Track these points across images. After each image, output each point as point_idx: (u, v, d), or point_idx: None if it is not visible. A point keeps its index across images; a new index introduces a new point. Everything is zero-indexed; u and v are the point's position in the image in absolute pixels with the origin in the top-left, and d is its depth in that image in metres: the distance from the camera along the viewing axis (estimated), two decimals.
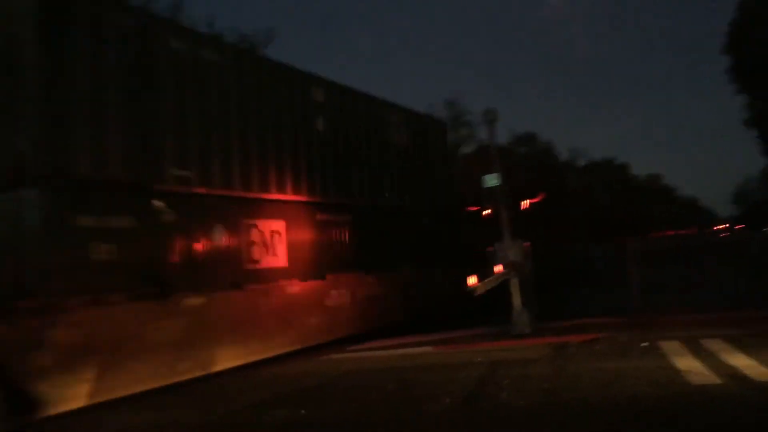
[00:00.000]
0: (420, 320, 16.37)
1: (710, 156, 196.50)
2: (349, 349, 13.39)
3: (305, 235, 13.52)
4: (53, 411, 8.32)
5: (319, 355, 12.85)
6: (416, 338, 13.86)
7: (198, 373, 10.53)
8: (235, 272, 11.54)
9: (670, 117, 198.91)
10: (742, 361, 8.52)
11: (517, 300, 13.52)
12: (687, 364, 8.66)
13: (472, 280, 13.23)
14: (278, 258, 12.69)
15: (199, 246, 10.74)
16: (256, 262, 12.10)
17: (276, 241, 12.67)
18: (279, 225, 12.77)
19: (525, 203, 15.00)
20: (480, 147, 26.63)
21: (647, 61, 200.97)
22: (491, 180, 14.16)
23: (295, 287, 12.95)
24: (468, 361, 10.47)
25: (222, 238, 11.26)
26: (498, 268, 13.85)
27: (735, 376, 7.81)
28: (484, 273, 13.73)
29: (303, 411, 8.33)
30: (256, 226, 12.20)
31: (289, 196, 13.22)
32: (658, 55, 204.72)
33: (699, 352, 9.37)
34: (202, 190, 11.04)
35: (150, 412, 8.94)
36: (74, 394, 8.59)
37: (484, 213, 15.27)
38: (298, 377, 10.79)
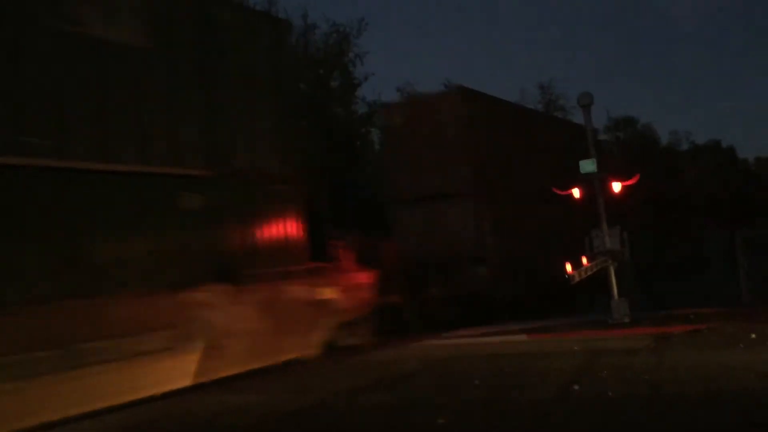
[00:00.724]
0: (517, 306, 16.28)
1: None
2: (445, 336, 13.49)
3: None
4: (159, 390, 8.89)
5: (414, 341, 13.02)
6: (512, 326, 13.78)
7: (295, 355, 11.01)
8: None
9: None
10: None
11: (614, 289, 13.19)
12: None
13: (568, 268, 13.01)
14: None
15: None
16: None
17: None
18: None
19: (618, 186, 14.46)
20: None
21: (750, 39, 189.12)
22: (587, 166, 13.81)
23: None
24: (564, 350, 10.33)
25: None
26: (594, 256, 13.55)
27: None
28: (580, 260, 13.47)
29: (398, 395, 8.50)
30: None
31: None
32: (759, 31, 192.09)
33: None
34: None
35: (246, 395, 9.35)
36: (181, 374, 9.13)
37: (575, 197, 14.88)
38: (393, 362, 10.98)
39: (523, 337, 12.50)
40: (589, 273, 13.40)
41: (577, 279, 13.06)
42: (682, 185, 33.91)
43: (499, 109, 19.80)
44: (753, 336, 9.96)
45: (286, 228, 11.07)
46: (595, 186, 13.91)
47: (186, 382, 9.23)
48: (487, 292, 16.43)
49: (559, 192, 15.70)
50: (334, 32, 27.72)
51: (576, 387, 7.82)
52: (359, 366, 11.12)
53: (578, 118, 37.84)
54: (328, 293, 11.61)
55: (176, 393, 9.10)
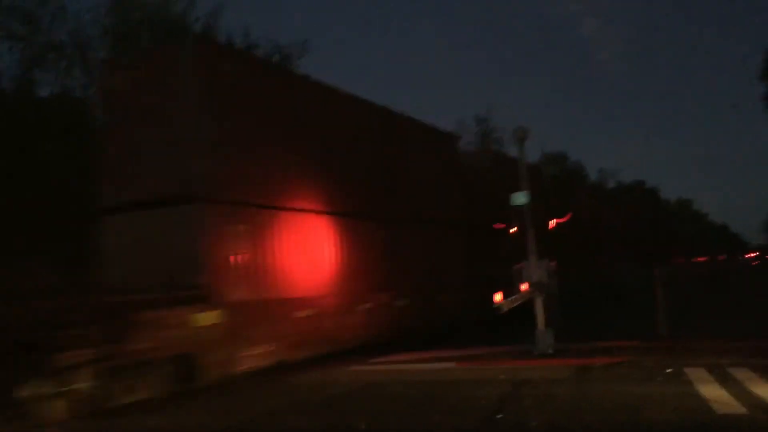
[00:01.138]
0: (444, 335, 16.42)
1: (742, 183, 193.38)
2: (372, 361, 13.45)
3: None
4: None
5: (342, 365, 12.93)
6: (440, 353, 13.86)
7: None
8: None
9: (702, 143, 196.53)
10: None
11: (541, 319, 13.47)
12: (712, 392, 8.54)
13: (497, 297, 13.22)
14: None
15: None
16: None
17: None
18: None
19: (552, 223, 14.89)
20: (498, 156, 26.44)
21: (681, 86, 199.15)
22: (519, 198, 14.13)
23: None
24: (491, 379, 10.46)
25: None
26: (523, 287, 13.82)
27: (760, 406, 7.69)
28: (509, 291, 13.72)
29: (319, 420, 8.42)
30: None
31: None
32: (692, 79, 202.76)
33: (725, 381, 9.24)
34: None
35: (168, 416, 9.10)
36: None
37: (510, 230, 15.24)
38: (319, 386, 10.88)
39: (451, 364, 12.58)
40: (517, 303, 13.64)
41: (504, 309, 13.28)
42: (606, 222, 35.11)
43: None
44: (669, 370, 10.33)
45: None
46: (526, 218, 14.23)
47: None
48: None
49: (495, 225, 16.00)
50: (276, 53, 27.61)
51: (500, 415, 7.93)
52: (284, 388, 10.97)
53: (513, 151, 38.80)
54: None
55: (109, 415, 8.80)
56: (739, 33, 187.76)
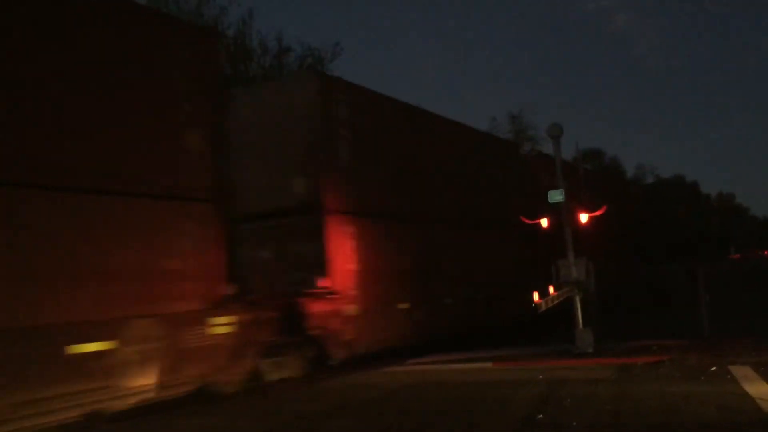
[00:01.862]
0: (483, 335, 16.35)
1: None
2: (410, 362, 13.44)
3: None
4: None
5: (379, 367, 12.96)
6: (478, 353, 13.79)
7: None
8: None
9: (743, 135, 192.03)
10: None
11: (579, 318, 13.32)
12: (758, 389, 8.34)
13: (536, 297, 13.11)
14: None
15: None
16: None
17: None
18: None
19: (586, 217, 14.72)
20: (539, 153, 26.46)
21: (718, 77, 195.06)
22: (555, 196, 13.99)
23: None
24: (528, 379, 10.37)
25: None
26: (560, 286, 13.69)
27: None
28: (547, 290, 13.59)
29: (361, 422, 8.43)
30: None
31: None
32: (730, 70, 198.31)
33: None
34: None
35: (210, 418, 9.21)
36: None
37: (544, 226, 15.13)
38: (361, 389, 10.91)
39: (489, 364, 12.51)
40: (555, 302, 13.51)
41: (543, 308, 13.16)
42: (636, 215, 34.48)
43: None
44: (713, 368, 10.12)
45: None
46: (563, 216, 14.09)
47: None
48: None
49: (527, 221, 15.90)
50: (308, 56, 27.87)
51: (540, 416, 7.84)
52: (325, 390, 11.03)
53: (547, 148, 38.45)
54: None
55: (139, 413, 8.94)
56: None
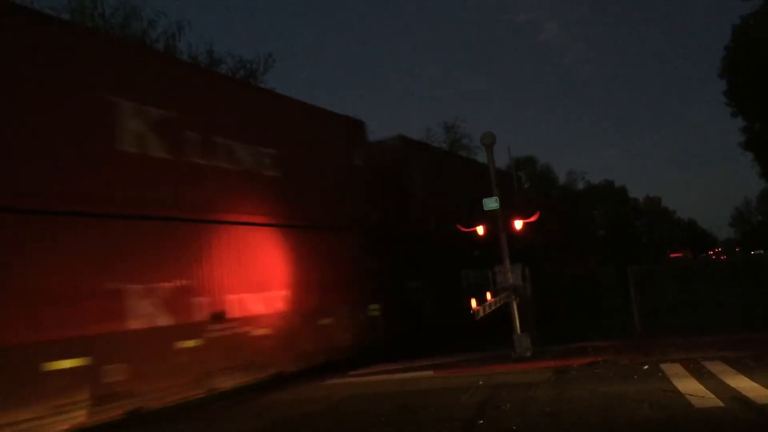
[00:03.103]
0: (422, 344, 16.36)
1: (708, 179, 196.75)
2: (351, 374, 13.35)
3: None
4: None
5: (319, 380, 12.82)
6: (418, 362, 13.81)
7: None
8: None
9: (667, 140, 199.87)
10: (744, 384, 8.50)
11: (517, 323, 13.51)
12: (689, 386, 8.64)
13: (473, 304, 13.22)
14: None
15: None
16: None
17: None
18: None
19: (520, 224, 15.00)
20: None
21: (643, 85, 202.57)
22: (490, 203, 14.18)
23: None
24: (469, 385, 10.43)
25: None
26: (497, 292, 13.86)
27: (737, 398, 7.79)
28: (483, 296, 13.73)
29: None
30: None
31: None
32: (656, 77, 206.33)
33: (701, 375, 9.35)
34: None
35: None
36: None
37: (480, 234, 15.30)
38: (300, 402, 10.76)
39: (430, 372, 12.55)
40: (492, 308, 13.66)
41: (481, 314, 13.28)
42: (568, 221, 35.31)
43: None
44: (645, 367, 10.42)
45: None
46: (498, 223, 14.28)
47: None
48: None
49: (462, 229, 16.07)
50: (240, 68, 27.52)
51: (481, 421, 7.90)
52: (263, 406, 10.83)
53: (481, 157, 39.06)
54: None
55: None
56: (702, 30, 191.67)
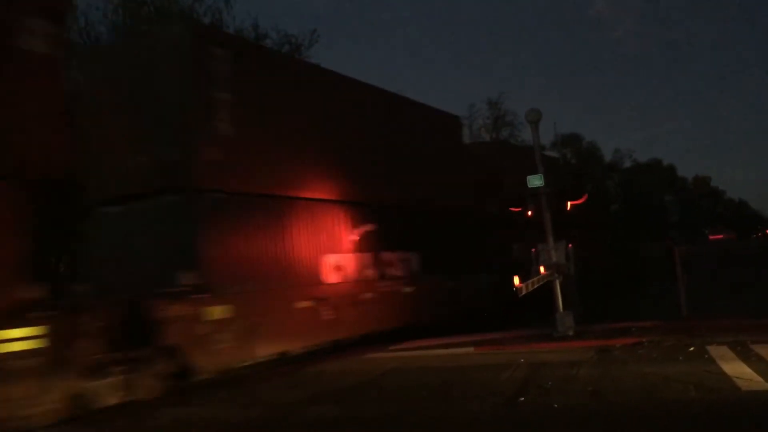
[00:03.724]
0: (464, 320, 16.41)
1: (759, 158, 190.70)
2: (392, 349, 13.47)
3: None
4: None
5: (361, 354, 12.97)
6: (459, 338, 13.85)
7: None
8: None
9: (719, 119, 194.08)
10: None
11: (560, 302, 13.41)
12: (736, 369, 8.47)
13: (516, 281, 13.18)
14: None
15: None
16: None
17: None
18: None
19: (568, 205, 14.82)
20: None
21: (696, 61, 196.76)
22: (535, 180, 14.04)
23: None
24: (510, 362, 10.43)
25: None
26: (541, 270, 13.77)
27: None
28: (528, 274, 13.67)
29: (343, 408, 8.44)
30: None
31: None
32: (708, 54, 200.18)
33: (748, 357, 9.16)
34: None
35: (191, 407, 9.18)
36: None
37: (527, 214, 15.19)
38: (340, 375, 10.91)
39: (470, 349, 12.58)
40: (536, 286, 13.60)
41: (524, 291, 13.24)
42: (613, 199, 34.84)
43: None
44: (691, 349, 10.25)
45: None
46: (542, 201, 14.14)
47: None
48: None
49: (512, 209, 15.95)
50: (285, 43, 27.58)
51: (522, 398, 7.91)
52: (305, 377, 11.02)
53: (526, 134, 38.61)
54: None
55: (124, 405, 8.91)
56: (761, 7, 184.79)
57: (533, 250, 14.21)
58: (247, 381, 10.96)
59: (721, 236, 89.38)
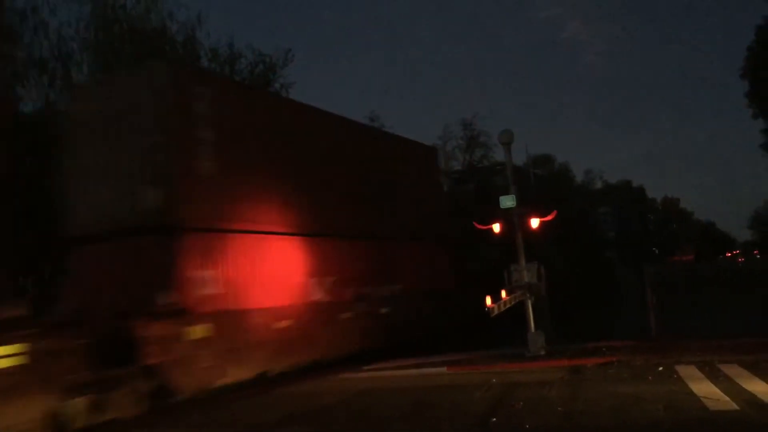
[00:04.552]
0: (435, 341, 16.45)
1: (730, 181, 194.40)
2: (365, 369, 13.42)
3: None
4: None
5: (333, 374, 12.90)
6: (431, 359, 13.85)
7: None
8: None
9: (686, 141, 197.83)
10: (759, 387, 8.45)
11: (531, 322, 13.49)
12: (704, 389, 8.60)
13: (488, 301, 13.23)
14: None
15: None
16: None
17: None
18: None
19: (536, 222, 14.94)
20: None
21: (666, 84, 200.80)
22: (507, 201, 14.15)
23: None
24: (483, 383, 10.45)
25: None
26: (512, 290, 13.84)
27: (752, 402, 7.75)
28: (499, 294, 13.73)
29: (317, 430, 8.38)
30: None
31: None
32: (676, 78, 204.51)
33: (716, 378, 9.30)
34: None
35: (172, 428, 9.05)
36: None
37: (495, 231, 15.28)
38: (313, 396, 10.84)
39: (443, 369, 12.57)
40: (507, 306, 13.65)
41: (495, 312, 13.28)
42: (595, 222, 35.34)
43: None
44: (660, 369, 10.37)
45: None
46: (514, 221, 14.24)
47: None
48: None
49: (478, 226, 16.06)
50: (260, 62, 27.59)
51: (494, 419, 7.92)
52: (280, 398, 10.92)
53: (499, 155, 38.92)
54: None
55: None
56: (726, 30, 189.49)
57: (505, 270, 14.29)
58: (224, 401, 10.83)
59: (677, 258, 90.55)
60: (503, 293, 13.67)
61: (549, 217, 15.67)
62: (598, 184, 78.41)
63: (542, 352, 13.07)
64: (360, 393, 10.81)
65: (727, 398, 7.99)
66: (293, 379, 12.49)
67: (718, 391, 8.43)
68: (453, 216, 21.29)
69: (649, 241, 70.17)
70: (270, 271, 12.99)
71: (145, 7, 23.60)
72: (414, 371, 12.69)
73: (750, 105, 39.40)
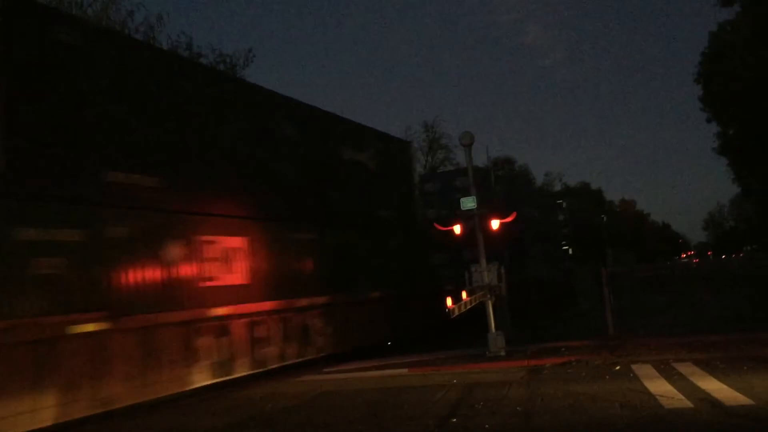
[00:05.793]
0: (396, 342, 16.45)
1: (683, 183, 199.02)
2: (325, 371, 13.35)
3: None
4: None
5: (294, 376, 12.80)
6: (391, 360, 13.84)
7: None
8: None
9: (643, 144, 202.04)
10: (713, 385, 8.63)
11: (492, 322, 13.58)
12: (659, 387, 8.75)
13: (448, 302, 13.27)
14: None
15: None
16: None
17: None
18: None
19: (497, 223, 15.06)
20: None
21: (622, 88, 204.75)
22: (468, 203, 14.22)
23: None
24: (443, 383, 10.48)
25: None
26: (473, 291, 13.91)
27: (706, 400, 7.90)
28: (460, 295, 13.79)
29: None
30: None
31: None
32: (633, 82, 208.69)
33: (671, 376, 9.48)
34: None
35: None
36: None
37: (456, 233, 15.34)
38: (273, 398, 10.72)
39: (403, 370, 12.57)
40: (468, 307, 13.72)
41: (456, 313, 13.34)
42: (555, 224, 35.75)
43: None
44: (617, 368, 10.53)
45: None
46: (475, 222, 14.33)
47: None
48: None
49: (439, 227, 16.12)
50: (220, 62, 27.32)
51: (454, 420, 7.94)
52: (236, 402, 10.78)
53: (460, 157, 39.15)
54: None
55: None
56: (682, 35, 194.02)
57: (466, 270, 14.36)
58: (176, 405, 10.64)
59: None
60: (464, 294, 13.74)
61: (509, 218, 15.81)
62: (558, 186, 79.65)
63: (502, 353, 13.16)
64: (320, 395, 10.73)
65: (682, 396, 8.14)
66: (254, 381, 12.35)
67: (673, 389, 8.58)
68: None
69: (605, 242, 71.42)
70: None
71: (103, 4, 23.20)
72: (375, 373, 12.67)
73: (703, 109, 40.44)
